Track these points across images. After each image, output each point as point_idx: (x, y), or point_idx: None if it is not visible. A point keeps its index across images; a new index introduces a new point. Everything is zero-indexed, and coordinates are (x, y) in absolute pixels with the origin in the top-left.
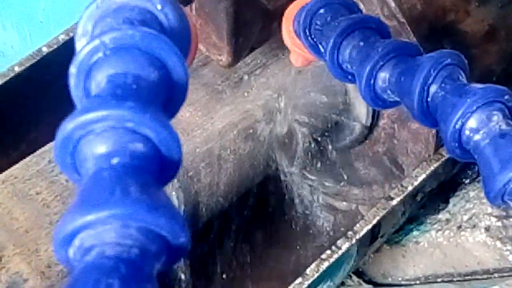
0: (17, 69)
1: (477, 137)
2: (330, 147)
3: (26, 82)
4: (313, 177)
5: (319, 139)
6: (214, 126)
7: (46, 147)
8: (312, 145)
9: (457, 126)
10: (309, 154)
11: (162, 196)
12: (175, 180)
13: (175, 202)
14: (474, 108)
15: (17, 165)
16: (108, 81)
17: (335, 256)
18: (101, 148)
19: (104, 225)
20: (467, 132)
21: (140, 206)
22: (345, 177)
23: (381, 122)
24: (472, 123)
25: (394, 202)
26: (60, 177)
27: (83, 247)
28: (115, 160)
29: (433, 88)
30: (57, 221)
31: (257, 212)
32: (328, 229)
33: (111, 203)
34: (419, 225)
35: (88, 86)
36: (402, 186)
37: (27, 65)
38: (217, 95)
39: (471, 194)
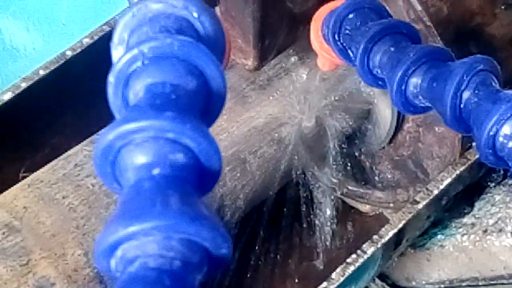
0: (41, 72)
1: (511, 144)
2: (355, 150)
3: (50, 86)
4: (337, 180)
5: (344, 142)
6: (239, 130)
7: (72, 151)
8: (337, 148)
9: (491, 133)
10: (334, 157)
11: (203, 206)
12: None
13: None
14: (509, 114)
15: (43, 169)
16: (147, 90)
17: (361, 260)
18: (142, 159)
19: (146, 236)
20: (501, 139)
21: (182, 218)
22: (370, 180)
23: (406, 126)
24: (506, 129)
25: (420, 206)
26: (86, 181)
27: (126, 258)
28: (155, 171)
29: (466, 95)
30: (84, 225)
31: (281, 216)
32: (352, 232)
33: (153, 214)
34: (444, 229)
35: (127, 95)
36: (427, 189)
37: (52, 68)
38: (242, 99)
39: (497, 198)
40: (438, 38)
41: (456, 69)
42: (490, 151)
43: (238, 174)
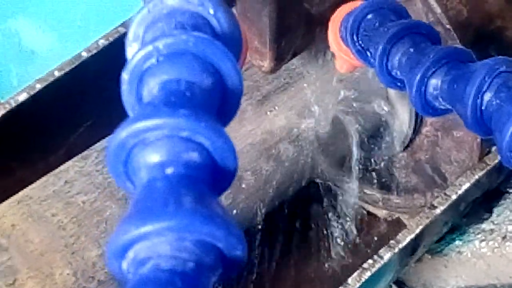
0: (57, 73)
1: None
2: (371, 153)
3: (65, 87)
4: (353, 185)
5: (361, 146)
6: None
7: (63, 167)
8: (354, 152)
9: None
10: (350, 160)
11: (217, 207)
12: None
13: None
14: None
15: (33, 185)
16: (161, 87)
17: (377, 265)
18: (155, 157)
19: (159, 237)
20: None
21: (196, 218)
22: (386, 185)
23: (424, 130)
24: None
25: (438, 211)
26: (76, 198)
27: (137, 260)
28: (169, 170)
29: (487, 96)
30: (73, 243)
31: (296, 219)
32: (369, 238)
33: (166, 214)
34: (461, 234)
35: (141, 92)
36: (445, 194)
37: (67, 69)
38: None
39: None
40: (458, 41)
41: (477, 70)
42: None
43: (234, 192)
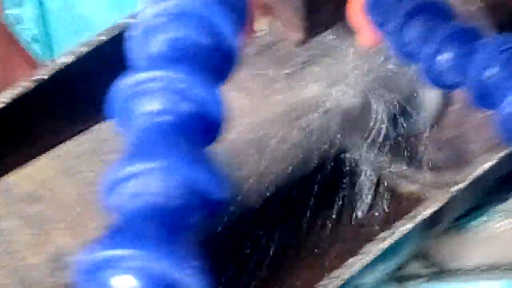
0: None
1: None
2: (399, 130)
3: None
4: (381, 159)
5: (389, 121)
6: (263, 114)
7: (98, 126)
8: (382, 127)
9: None
10: (379, 135)
11: (204, 153)
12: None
13: None
14: None
15: (67, 142)
16: (164, 44)
17: (396, 236)
18: (150, 106)
19: (148, 175)
20: None
21: (185, 160)
22: (414, 162)
23: (453, 107)
24: None
25: (459, 187)
26: (109, 156)
27: (128, 195)
28: (163, 119)
29: (493, 71)
30: None
31: (317, 197)
32: (392, 211)
33: (157, 156)
34: (483, 214)
35: (145, 49)
36: (468, 172)
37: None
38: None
39: None
40: (490, 20)
41: (486, 44)
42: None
43: (260, 159)
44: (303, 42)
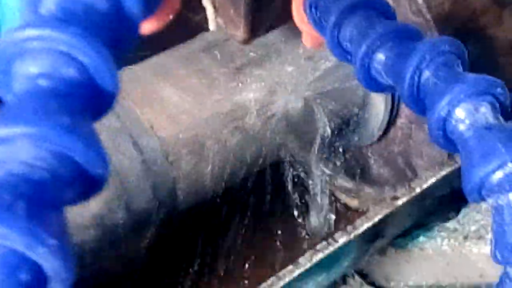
0: None
1: (461, 127)
2: (344, 141)
3: None
4: (323, 170)
5: (334, 134)
6: (202, 113)
7: None
8: (326, 141)
9: (443, 114)
10: (323, 149)
11: (86, 124)
12: (153, 163)
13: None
14: (462, 96)
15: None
16: (57, 5)
17: (331, 248)
18: (32, 68)
19: (15, 142)
20: (452, 122)
21: (57, 129)
22: (358, 175)
23: (399, 122)
24: (458, 112)
25: (400, 202)
26: None
27: None
28: (43, 82)
29: (425, 74)
30: None
31: (246, 204)
32: (333, 224)
33: (27, 121)
34: (426, 231)
35: (37, 9)
36: (410, 187)
37: None
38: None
39: (483, 205)
40: (436, 33)
41: (418, 47)
42: (441, 133)
43: (196, 159)
44: (246, 41)
